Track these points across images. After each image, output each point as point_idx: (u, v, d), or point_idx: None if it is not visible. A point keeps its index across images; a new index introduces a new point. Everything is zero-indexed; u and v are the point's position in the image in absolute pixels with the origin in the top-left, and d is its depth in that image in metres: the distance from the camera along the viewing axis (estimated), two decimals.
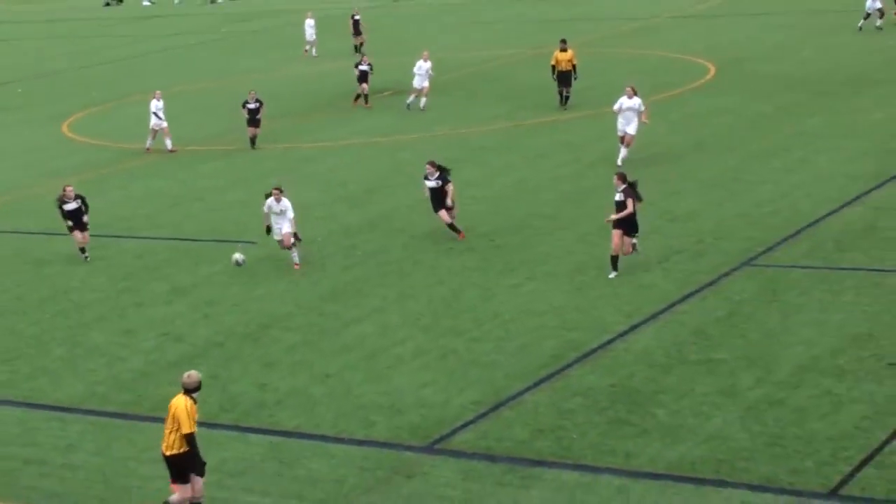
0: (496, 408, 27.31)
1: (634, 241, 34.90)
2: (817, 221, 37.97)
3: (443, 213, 39.46)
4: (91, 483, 25.25)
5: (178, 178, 51.69)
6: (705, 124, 53.05)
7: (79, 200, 40.16)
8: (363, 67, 63.01)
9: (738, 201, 41.31)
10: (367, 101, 63.26)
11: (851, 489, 22.74)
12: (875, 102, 54.82)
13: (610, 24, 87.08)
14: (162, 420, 27.81)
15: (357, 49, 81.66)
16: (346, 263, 38.23)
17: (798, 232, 37.66)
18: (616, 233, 34.22)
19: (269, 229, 38.35)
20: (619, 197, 34.53)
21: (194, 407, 22.40)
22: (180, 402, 22.43)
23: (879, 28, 72.61)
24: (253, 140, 56.08)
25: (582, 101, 57.69)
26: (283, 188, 38.31)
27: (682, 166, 46.61)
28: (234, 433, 27.16)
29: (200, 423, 27.50)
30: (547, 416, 26.77)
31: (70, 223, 40.12)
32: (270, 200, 37.96)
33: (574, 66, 57.85)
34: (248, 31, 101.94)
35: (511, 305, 33.50)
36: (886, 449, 24.16)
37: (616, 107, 47.23)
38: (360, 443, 26.16)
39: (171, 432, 22.49)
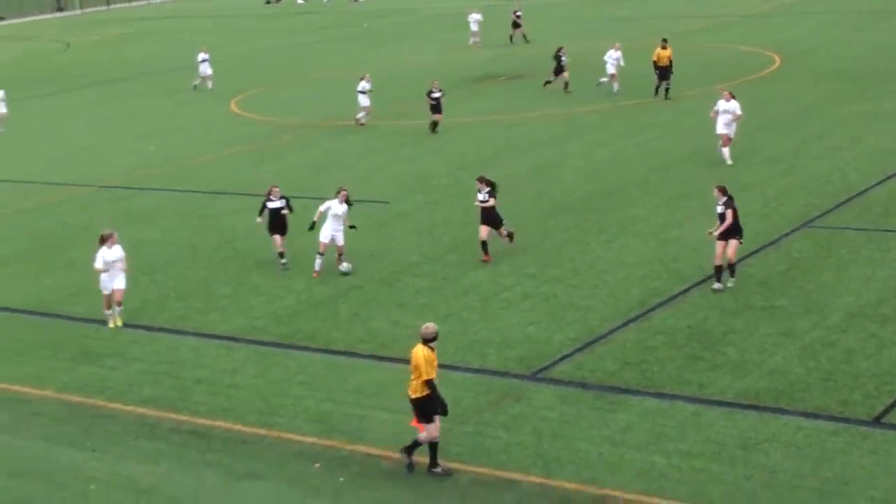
0: (590, 344, 27.32)
1: (740, 243, 31.05)
2: (866, 190, 37.55)
3: (484, 228, 34.10)
4: (252, 400, 25.58)
5: (324, 148, 51.93)
6: (770, 108, 52.41)
7: (283, 200, 34.55)
8: (564, 58, 59.62)
9: (798, 173, 40.92)
10: (566, 88, 59.84)
11: (892, 417, 22.60)
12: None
13: (686, 21, 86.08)
14: (310, 349, 28.34)
15: (525, 39, 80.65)
16: (465, 221, 38.23)
17: (849, 199, 37.25)
18: (720, 244, 30.75)
19: (313, 226, 34.03)
20: (720, 209, 31.20)
21: (432, 355, 21.49)
22: (419, 352, 21.43)
23: None
24: (435, 125, 52.74)
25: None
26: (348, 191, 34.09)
27: (749, 144, 46.13)
28: (372, 361, 27.37)
29: (343, 352, 27.97)
30: (633, 351, 26.75)
31: (270, 222, 34.52)
32: (333, 201, 33.49)
33: (671, 62, 56.06)
34: (386, 25, 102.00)
35: (604, 258, 33.42)
36: None
37: (715, 109, 43.18)
38: (475, 371, 26.28)
39: (414, 379, 21.48)
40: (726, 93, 43.27)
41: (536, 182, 42.67)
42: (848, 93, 54.76)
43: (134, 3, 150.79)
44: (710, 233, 30.90)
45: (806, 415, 22.95)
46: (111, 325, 30.76)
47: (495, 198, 34.18)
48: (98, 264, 30.21)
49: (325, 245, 33.60)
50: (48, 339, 30.39)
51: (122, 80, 79.44)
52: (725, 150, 42.88)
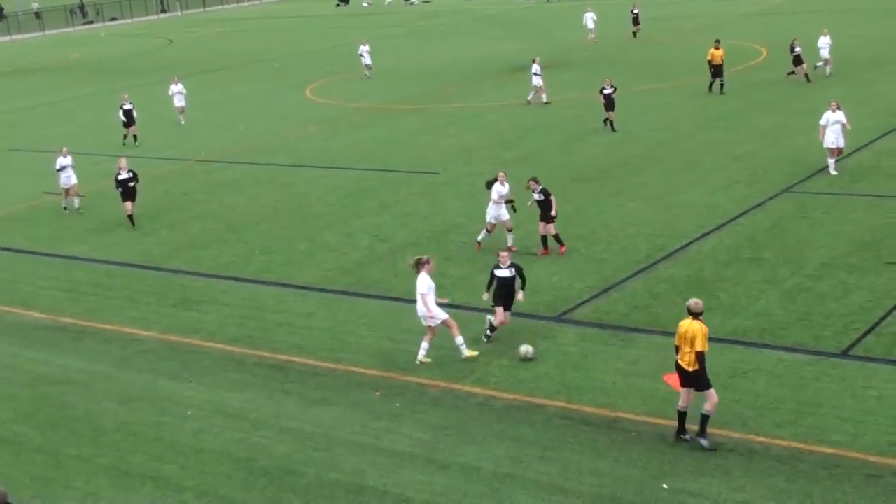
0: (605, 291, 27.30)
1: None
2: (838, 161, 37.08)
3: (543, 225, 30.89)
4: (323, 339, 25.76)
5: (385, 127, 51.88)
6: (759, 92, 52.00)
7: (513, 269, 24.78)
8: (797, 49, 54.03)
9: (782, 146, 40.64)
10: (808, 78, 53.46)
11: (857, 351, 22.54)
12: (885, 76, 53.35)
13: (691, 20, 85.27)
14: (371, 296, 28.40)
15: (634, 35, 77.08)
16: None
17: (823, 168, 36.91)
18: None
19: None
20: None
21: (706, 329, 19.36)
22: (696, 326, 19.12)
23: None
24: (608, 122, 46.58)
25: (673, 74, 56.74)
26: (506, 172, 31.58)
27: (742, 121, 45.85)
28: None
29: (399, 299, 28.04)
30: (641, 297, 26.71)
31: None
32: (497, 185, 30.78)
33: (723, 60, 52.70)
34: (436, 24, 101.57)
35: (617, 219, 33.32)
36: (883, 323, 23.97)
37: (823, 121, 36.41)
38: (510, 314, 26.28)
39: (688, 351, 19.18)
40: (833, 103, 36.81)
41: (561, 155, 42.55)
42: (826, 78, 54.09)
43: (227, 6, 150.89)
44: None
45: (785, 349, 22.92)
46: (469, 354, 23.96)
47: (551, 195, 30.74)
48: (426, 290, 23.72)
49: (493, 224, 31.22)
50: (153, 289, 30.63)
51: (216, 70, 79.55)
52: (831, 162, 36.54)
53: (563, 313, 26.11)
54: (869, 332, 23.47)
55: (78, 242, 35.75)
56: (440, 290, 28.06)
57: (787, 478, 18.05)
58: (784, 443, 19.02)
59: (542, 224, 30.82)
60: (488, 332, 24.79)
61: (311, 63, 79.41)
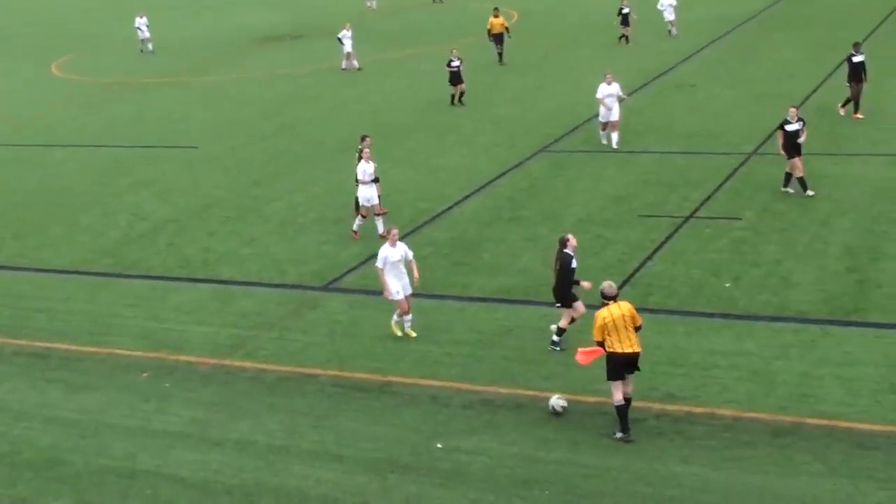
0: (371, 257, 27.37)
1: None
2: (588, 120, 38.25)
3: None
4: (84, 323, 25.27)
5: (139, 102, 50.71)
6: (512, 56, 52.78)
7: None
8: (626, 10, 53.43)
9: (537, 109, 41.74)
10: (626, 41, 53.83)
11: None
12: (632, 37, 54.80)
13: None
14: (133, 276, 27.94)
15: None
16: (263, 159, 38.08)
17: (576, 128, 38.24)
18: (796, 159, 29.10)
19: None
20: (794, 126, 29.06)
21: None
22: (625, 307, 18.29)
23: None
24: (458, 96, 43.85)
25: (432, 39, 57.28)
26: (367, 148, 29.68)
27: (498, 86, 46.75)
28: (187, 283, 27.17)
29: (162, 277, 27.72)
30: None
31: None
32: (363, 163, 28.95)
33: (507, 29, 51.29)
34: None
35: (382, 186, 33.43)
36: (637, 274, 25.13)
37: (598, 95, 35.19)
38: (277, 286, 26.33)
39: (631, 335, 18.21)
40: (608, 75, 35.53)
41: (323, 124, 42.59)
42: (574, 43, 55.58)
43: None
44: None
45: (549, 304, 23.33)
46: (406, 333, 23.21)
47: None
48: (379, 263, 22.91)
49: (367, 208, 29.22)
50: None
51: None
52: (615, 136, 35.47)
53: (332, 282, 26.29)
54: (626, 282, 24.48)
55: None
56: (203, 267, 27.98)
57: (555, 427, 18.72)
58: (551, 395, 19.62)
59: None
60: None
61: (57, 37, 76.80)
